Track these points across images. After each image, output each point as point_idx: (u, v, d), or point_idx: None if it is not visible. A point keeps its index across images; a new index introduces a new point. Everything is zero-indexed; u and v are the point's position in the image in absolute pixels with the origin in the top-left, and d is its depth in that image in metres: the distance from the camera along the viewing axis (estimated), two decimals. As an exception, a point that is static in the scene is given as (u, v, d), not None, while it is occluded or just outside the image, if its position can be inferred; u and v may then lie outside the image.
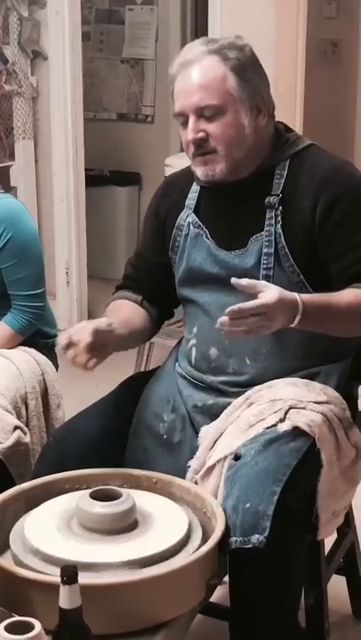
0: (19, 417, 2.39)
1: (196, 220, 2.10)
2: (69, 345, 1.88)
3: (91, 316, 4.88)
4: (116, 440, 2.07)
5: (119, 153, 5.84)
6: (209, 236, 2.07)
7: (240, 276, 1.84)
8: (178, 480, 1.93)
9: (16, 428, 2.31)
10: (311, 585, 2.02)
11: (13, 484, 1.98)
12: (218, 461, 1.91)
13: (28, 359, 2.53)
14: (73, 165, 4.73)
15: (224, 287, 1.95)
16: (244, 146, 1.98)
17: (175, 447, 2.07)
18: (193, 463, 1.99)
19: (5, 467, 2.28)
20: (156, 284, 2.21)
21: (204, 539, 1.75)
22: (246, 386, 2.02)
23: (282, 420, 1.88)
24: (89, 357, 1.88)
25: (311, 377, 2.03)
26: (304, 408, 1.91)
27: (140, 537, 1.74)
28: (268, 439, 1.85)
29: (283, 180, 2.01)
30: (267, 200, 2.00)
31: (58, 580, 1.47)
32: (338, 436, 1.94)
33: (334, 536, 2.22)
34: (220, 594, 1.95)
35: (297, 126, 4.07)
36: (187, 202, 2.12)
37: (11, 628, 1.44)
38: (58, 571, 1.49)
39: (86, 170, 4.91)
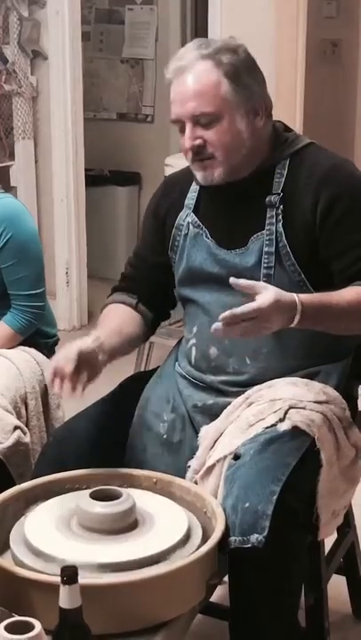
0: (19, 417, 2.39)
1: (196, 219, 2.09)
2: (55, 374, 1.90)
3: (91, 315, 4.88)
4: (116, 440, 2.07)
5: (119, 153, 5.84)
6: (209, 235, 2.07)
7: (241, 276, 1.84)
8: (178, 480, 1.93)
9: (16, 427, 2.31)
10: (311, 585, 2.02)
11: (13, 484, 1.97)
12: (218, 461, 1.91)
13: (27, 359, 2.53)
14: (73, 165, 4.73)
15: (224, 286, 1.94)
16: (242, 150, 1.98)
17: (175, 447, 2.07)
18: (193, 463, 1.99)
19: (5, 467, 2.28)
20: (155, 284, 2.21)
21: (204, 539, 1.74)
22: (246, 385, 2.02)
23: (281, 420, 1.88)
24: (74, 385, 1.89)
25: (311, 376, 2.03)
26: (304, 408, 1.91)
27: (140, 537, 1.74)
28: (267, 439, 1.85)
29: (283, 179, 2.01)
30: (268, 199, 2.00)
31: (58, 579, 1.47)
32: (338, 436, 1.94)
33: (334, 536, 2.21)
34: (220, 594, 1.95)
35: (297, 126, 4.06)
36: (186, 201, 2.12)
37: (11, 628, 1.44)
38: (58, 571, 1.49)
39: (86, 170, 4.91)
